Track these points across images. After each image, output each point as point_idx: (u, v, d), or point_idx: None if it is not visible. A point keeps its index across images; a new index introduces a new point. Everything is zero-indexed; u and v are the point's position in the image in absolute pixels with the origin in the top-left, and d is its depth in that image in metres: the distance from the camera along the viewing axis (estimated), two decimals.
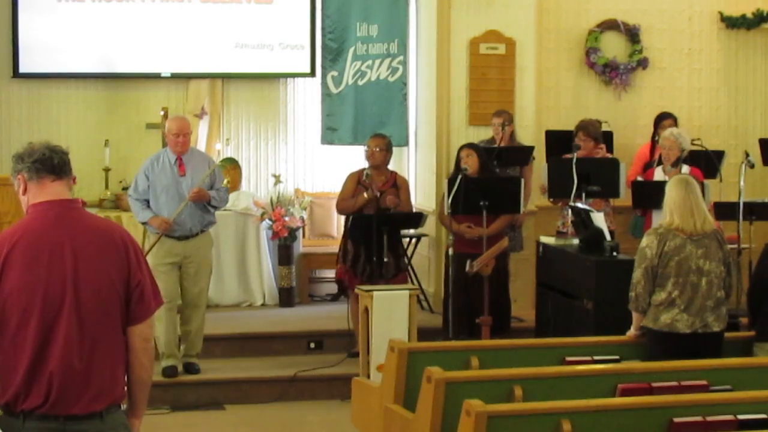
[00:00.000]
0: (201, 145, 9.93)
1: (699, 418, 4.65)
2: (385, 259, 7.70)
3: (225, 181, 7.77)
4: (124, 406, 3.76)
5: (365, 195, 7.88)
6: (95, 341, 3.58)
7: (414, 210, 8.38)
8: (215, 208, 7.64)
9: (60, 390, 3.52)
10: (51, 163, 3.64)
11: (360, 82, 9.71)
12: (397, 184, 8.10)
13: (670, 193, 5.89)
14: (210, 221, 7.66)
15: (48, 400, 3.51)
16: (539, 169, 8.53)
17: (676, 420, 4.63)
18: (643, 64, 9.88)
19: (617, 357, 5.89)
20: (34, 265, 3.52)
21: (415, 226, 8.48)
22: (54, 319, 3.52)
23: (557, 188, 8.07)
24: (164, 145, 9.77)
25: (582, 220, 7.27)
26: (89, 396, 3.56)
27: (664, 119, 9.00)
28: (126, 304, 3.66)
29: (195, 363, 7.63)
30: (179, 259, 7.51)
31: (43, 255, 3.54)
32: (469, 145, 8.03)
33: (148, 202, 7.51)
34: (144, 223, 7.63)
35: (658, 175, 7.97)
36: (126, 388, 3.74)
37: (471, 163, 7.76)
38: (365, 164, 8.15)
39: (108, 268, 3.61)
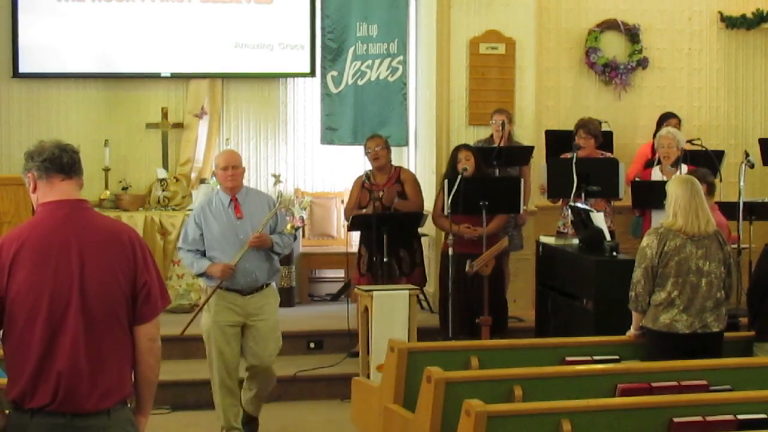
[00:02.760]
0: (201, 145, 9.94)
1: (699, 418, 4.65)
2: (385, 259, 7.71)
3: (289, 226, 6.69)
4: (131, 404, 3.79)
5: (369, 209, 7.91)
6: (102, 341, 3.60)
7: (423, 202, 8.37)
8: (278, 255, 6.64)
9: (67, 389, 3.54)
10: (60, 162, 3.67)
11: (360, 82, 9.71)
12: (401, 179, 8.11)
13: (675, 194, 5.87)
14: (275, 270, 6.70)
15: (55, 399, 3.54)
16: (538, 169, 8.53)
17: (676, 420, 4.63)
18: (643, 64, 9.88)
19: (617, 357, 5.89)
20: (41, 264, 3.54)
21: (416, 226, 8.47)
22: (61, 318, 3.54)
23: (557, 188, 8.07)
24: (165, 147, 9.88)
25: (582, 220, 7.27)
26: (97, 395, 3.59)
27: (668, 119, 9.01)
28: (132, 303, 3.68)
29: (252, 414, 6.75)
30: (243, 319, 6.48)
31: (51, 255, 3.56)
32: (466, 147, 8.03)
33: (202, 253, 6.49)
34: (201, 275, 6.58)
35: (656, 175, 7.97)
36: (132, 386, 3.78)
37: (471, 165, 7.78)
38: (366, 166, 8.17)
39: (114, 267, 3.63)
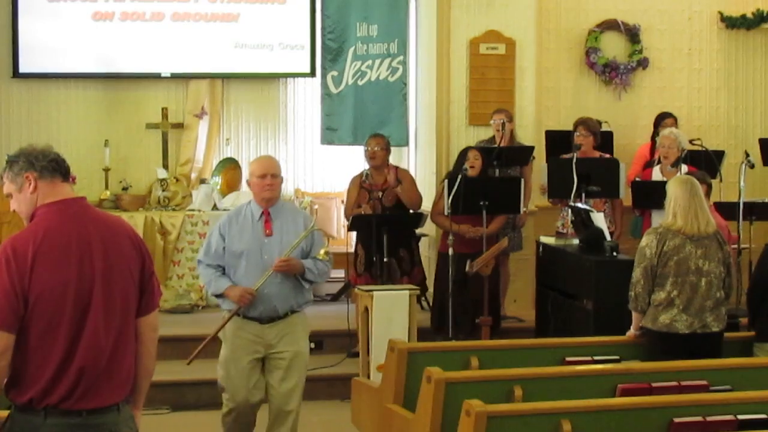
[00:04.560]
0: (201, 145, 9.94)
1: (699, 418, 4.64)
2: (385, 259, 7.71)
3: (323, 251, 5.81)
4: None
5: (366, 209, 7.92)
6: (119, 333, 3.67)
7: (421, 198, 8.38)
8: (310, 283, 5.81)
9: (87, 385, 3.58)
10: (63, 166, 3.76)
11: (360, 82, 9.71)
12: (398, 178, 8.11)
13: (675, 194, 5.87)
14: (305, 300, 5.87)
15: (73, 394, 3.57)
16: (539, 169, 8.53)
17: (676, 420, 4.63)
18: (643, 64, 9.89)
19: (617, 357, 5.89)
20: (64, 262, 3.58)
21: (415, 226, 8.47)
22: (83, 314, 3.59)
23: (557, 188, 8.07)
24: (165, 147, 9.87)
25: (582, 220, 7.26)
26: (109, 389, 3.64)
27: (664, 119, 9.02)
28: (140, 295, 3.77)
29: None
30: (263, 350, 5.74)
31: (73, 252, 3.60)
32: (476, 148, 8.06)
33: (223, 269, 5.75)
34: (218, 296, 5.81)
35: (656, 175, 7.97)
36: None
37: (477, 166, 7.80)
38: (365, 165, 8.17)
39: (129, 261, 3.74)
